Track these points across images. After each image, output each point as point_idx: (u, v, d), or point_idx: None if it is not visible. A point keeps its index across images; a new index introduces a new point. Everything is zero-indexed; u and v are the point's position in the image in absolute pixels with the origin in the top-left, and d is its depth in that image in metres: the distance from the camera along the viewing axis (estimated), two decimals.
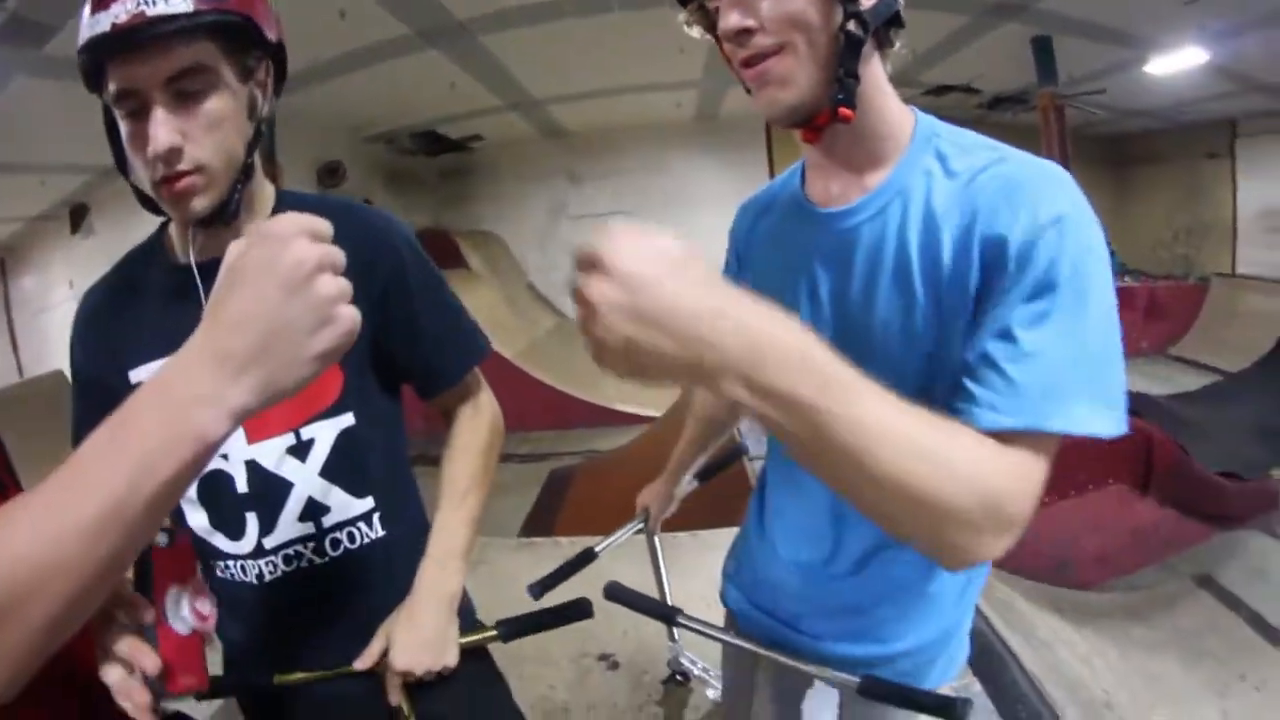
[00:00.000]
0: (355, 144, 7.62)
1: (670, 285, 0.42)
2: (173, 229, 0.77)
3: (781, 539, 0.82)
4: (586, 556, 1.06)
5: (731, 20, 0.59)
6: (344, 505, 0.77)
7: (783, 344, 0.43)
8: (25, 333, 9.48)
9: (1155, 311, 7.59)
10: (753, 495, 0.91)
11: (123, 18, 0.57)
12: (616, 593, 0.90)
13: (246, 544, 0.75)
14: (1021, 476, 0.50)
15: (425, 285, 0.79)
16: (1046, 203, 0.53)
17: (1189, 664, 2.70)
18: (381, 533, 0.80)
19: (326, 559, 0.77)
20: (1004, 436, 0.50)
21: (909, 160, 0.63)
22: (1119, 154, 9.92)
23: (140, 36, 0.58)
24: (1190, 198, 9.01)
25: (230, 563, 0.76)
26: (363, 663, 0.75)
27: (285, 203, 0.77)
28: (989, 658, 1.91)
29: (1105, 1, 4.94)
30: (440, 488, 0.83)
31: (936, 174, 0.61)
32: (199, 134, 0.64)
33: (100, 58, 0.61)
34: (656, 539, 1.21)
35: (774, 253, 0.75)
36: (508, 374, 5.61)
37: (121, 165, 0.69)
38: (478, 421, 0.86)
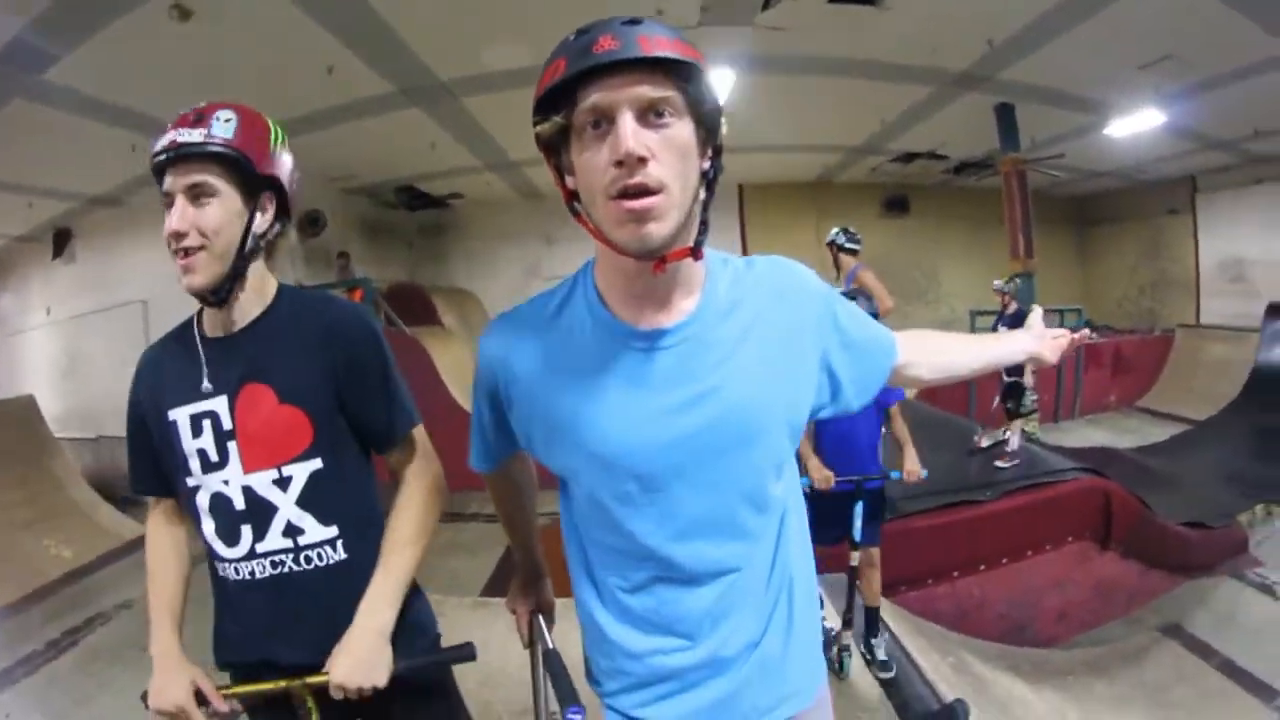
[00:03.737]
0: (336, 195, 7.68)
1: None
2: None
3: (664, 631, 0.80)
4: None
5: (630, 144, 0.62)
6: (314, 530, 0.98)
7: None
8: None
9: (1122, 365, 7.75)
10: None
11: (163, 143, 0.91)
12: None
13: (241, 549, 0.97)
14: None
15: (376, 366, 1.01)
16: (811, 283, 0.82)
17: (1157, 717, 2.69)
18: (344, 556, 0.99)
19: (302, 570, 0.98)
20: None
21: (713, 280, 0.76)
22: (1082, 213, 10.29)
23: (173, 155, 0.90)
24: (1153, 253, 9.35)
25: (228, 564, 0.98)
26: (314, 679, 0.94)
27: (283, 294, 1.02)
28: None
29: (1065, 70, 5.20)
30: (383, 541, 1.00)
31: (729, 283, 0.77)
32: (200, 226, 0.91)
33: (161, 165, 0.93)
34: (548, 638, 1.07)
35: (573, 368, 0.75)
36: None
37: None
38: (419, 483, 1.04)
